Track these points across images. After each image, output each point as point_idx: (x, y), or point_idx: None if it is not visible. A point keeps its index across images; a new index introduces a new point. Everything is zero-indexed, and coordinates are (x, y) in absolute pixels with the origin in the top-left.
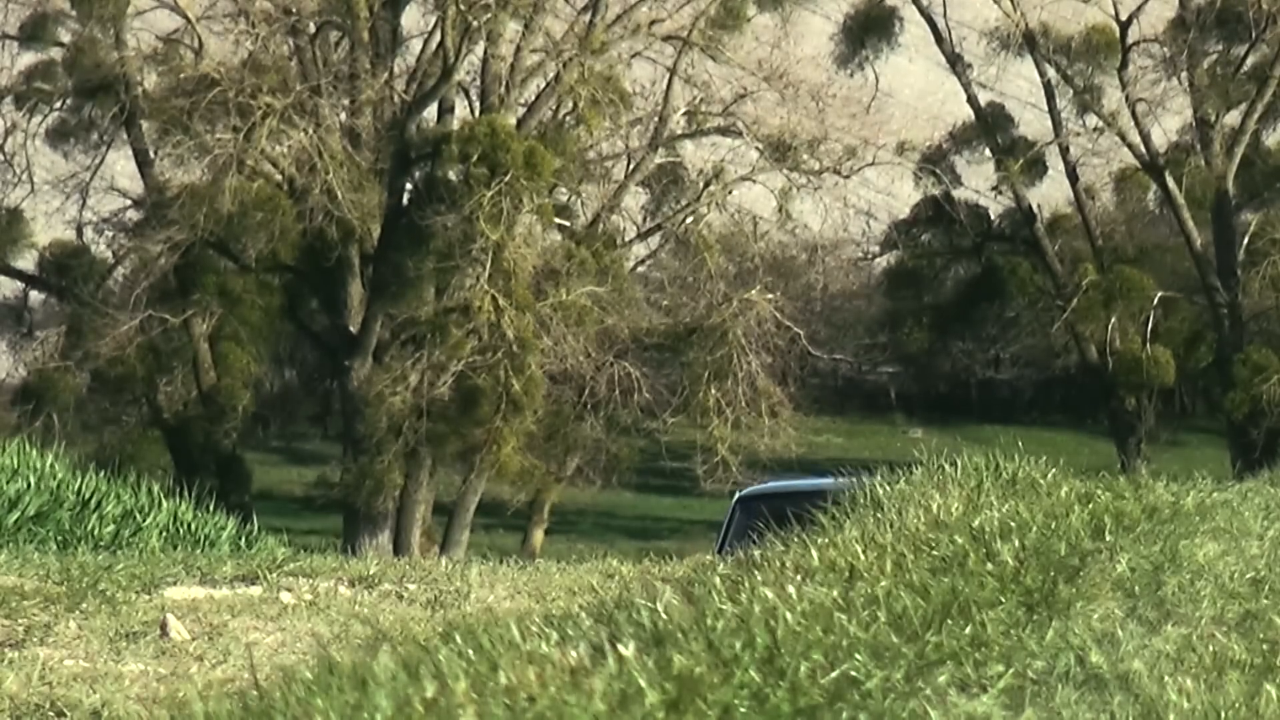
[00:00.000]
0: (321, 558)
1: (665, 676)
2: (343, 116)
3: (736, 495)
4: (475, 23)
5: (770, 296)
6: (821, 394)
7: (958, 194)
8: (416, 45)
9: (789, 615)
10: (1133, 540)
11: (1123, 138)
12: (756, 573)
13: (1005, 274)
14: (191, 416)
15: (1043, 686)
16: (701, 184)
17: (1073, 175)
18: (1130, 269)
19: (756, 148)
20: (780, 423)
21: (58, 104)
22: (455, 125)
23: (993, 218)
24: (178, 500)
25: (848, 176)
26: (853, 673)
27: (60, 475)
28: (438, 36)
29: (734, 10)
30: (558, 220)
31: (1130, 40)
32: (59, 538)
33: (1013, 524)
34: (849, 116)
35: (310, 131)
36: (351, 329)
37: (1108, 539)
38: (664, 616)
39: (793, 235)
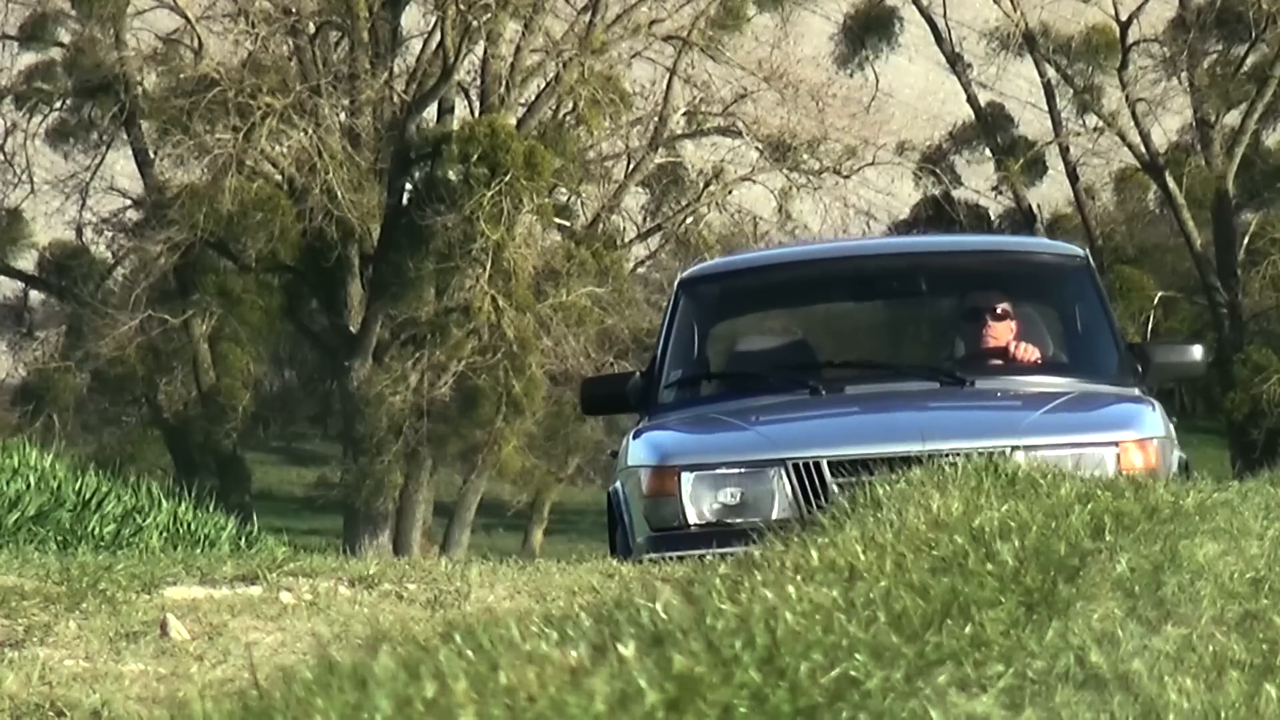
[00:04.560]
0: (321, 558)
1: (665, 676)
2: (343, 116)
3: (678, 279)
4: (475, 23)
5: None
6: None
7: (958, 194)
8: (416, 45)
9: (789, 615)
10: (1133, 540)
11: (1123, 138)
12: (756, 573)
13: None
14: (191, 416)
15: (1043, 686)
16: (701, 184)
17: (1073, 175)
18: (1130, 269)
19: (756, 148)
20: None
21: (58, 104)
22: (455, 125)
23: (993, 218)
24: (178, 500)
25: (848, 176)
26: (853, 673)
27: (60, 475)
28: (438, 36)
29: (734, 10)
30: (558, 220)
31: (1130, 40)
32: (59, 538)
33: (1013, 524)
34: (849, 116)
35: (310, 131)
36: (351, 329)
37: (1108, 539)
38: (664, 616)
39: (793, 235)
